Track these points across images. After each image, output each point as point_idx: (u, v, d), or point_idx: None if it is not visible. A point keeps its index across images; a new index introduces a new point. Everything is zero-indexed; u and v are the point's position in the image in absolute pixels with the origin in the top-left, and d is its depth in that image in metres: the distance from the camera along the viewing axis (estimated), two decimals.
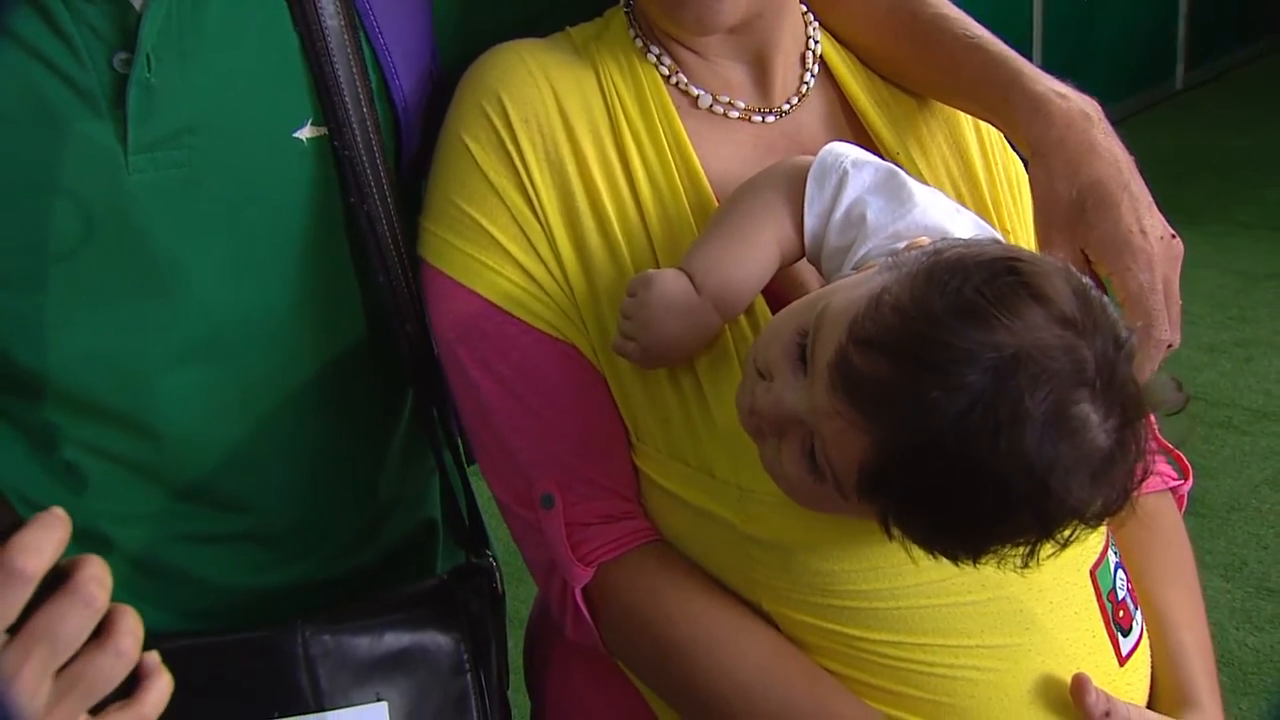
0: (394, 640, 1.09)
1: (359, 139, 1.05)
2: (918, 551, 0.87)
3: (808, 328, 0.88)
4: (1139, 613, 1.07)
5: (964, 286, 0.81)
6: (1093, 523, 0.85)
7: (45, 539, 0.71)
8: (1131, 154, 1.05)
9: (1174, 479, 1.19)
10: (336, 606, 1.11)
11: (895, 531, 0.86)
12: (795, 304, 0.94)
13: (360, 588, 1.18)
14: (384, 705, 1.06)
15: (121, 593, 1.11)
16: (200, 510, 1.12)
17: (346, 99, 1.04)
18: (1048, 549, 0.85)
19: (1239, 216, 5.18)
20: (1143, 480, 0.85)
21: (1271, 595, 2.90)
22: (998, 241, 0.91)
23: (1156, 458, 1.19)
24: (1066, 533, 0.84)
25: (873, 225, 0.97)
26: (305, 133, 1.05)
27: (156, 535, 1.11)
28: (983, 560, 0.85)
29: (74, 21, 0.97)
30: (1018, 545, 0.84)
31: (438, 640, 1.10)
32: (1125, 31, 6.56)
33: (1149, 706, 1.05)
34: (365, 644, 1.08)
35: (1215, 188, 5.53)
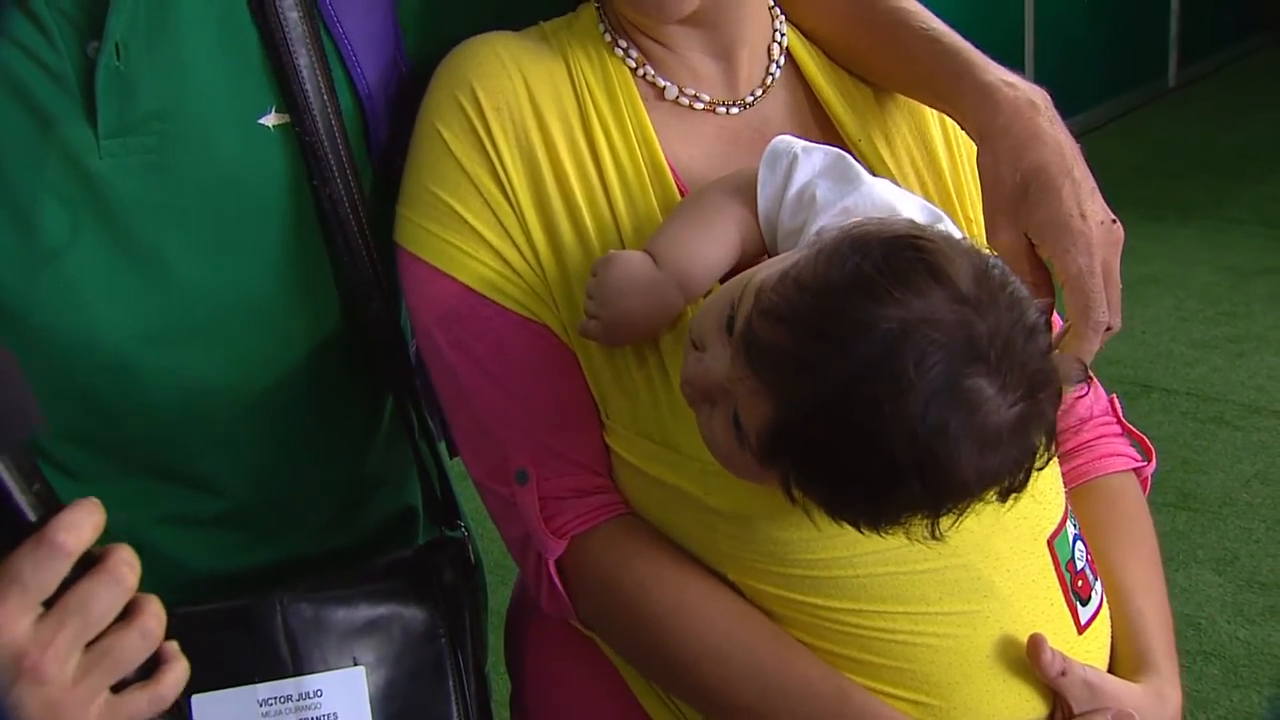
0: (369, 609, 1.13)
1: (320, 126, 1.08)
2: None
3: (735, 300, 0.92)
4: (1099, 583, 1.09)
5: (863, 262, 0.85)
6: (990, 497, 0.88)
7: (85, 519, 0.77)
8: (1079, 143, 1.08)
9: (1138, 461, 1.21)
10: (315, 576, 1.14)
11: (797, 495, 0.89)
12: (731, 280, 0.98)
13: (338, 571, 1.21)
14: (361, 670, 1.10)
15: None
16: (178, 491, 1.15)
17: (306, 87, 1.08)
18: (947, 521, 0.88)
19: (1231, 212, 5.19)
20: (1049, 459, 0.88)
21: (1263, 589, 2.92)
22: (911, 221, 0.94)
23: (1121, 440, 1.22)
24: (962, 505, 0.87)
25: (822, 202, 1.00)
26: (270, 119, 1.08)
27: (134, 517, 1.13)
28: (886, 530, 0.89)
29: (49, 9, 1.01)
30: (915, 514, 0.88)
31: (412, 608, 1.14)
32: (1118, 28, 6.58)
33: (1109, 673, 1.07)
34: (342, 613, 1.12)
35: (1208, 184, 5.53)
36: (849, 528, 0.92)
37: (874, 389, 0.83)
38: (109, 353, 1.07)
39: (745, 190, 1.05)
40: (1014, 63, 5.53)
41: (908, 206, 1.01)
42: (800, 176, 1.02)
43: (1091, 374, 0.98)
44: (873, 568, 1.00)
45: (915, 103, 1.21)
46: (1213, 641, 2.76)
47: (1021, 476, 0.88)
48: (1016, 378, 0.85)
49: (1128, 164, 5.71)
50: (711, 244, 1.03)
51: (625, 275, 1.02)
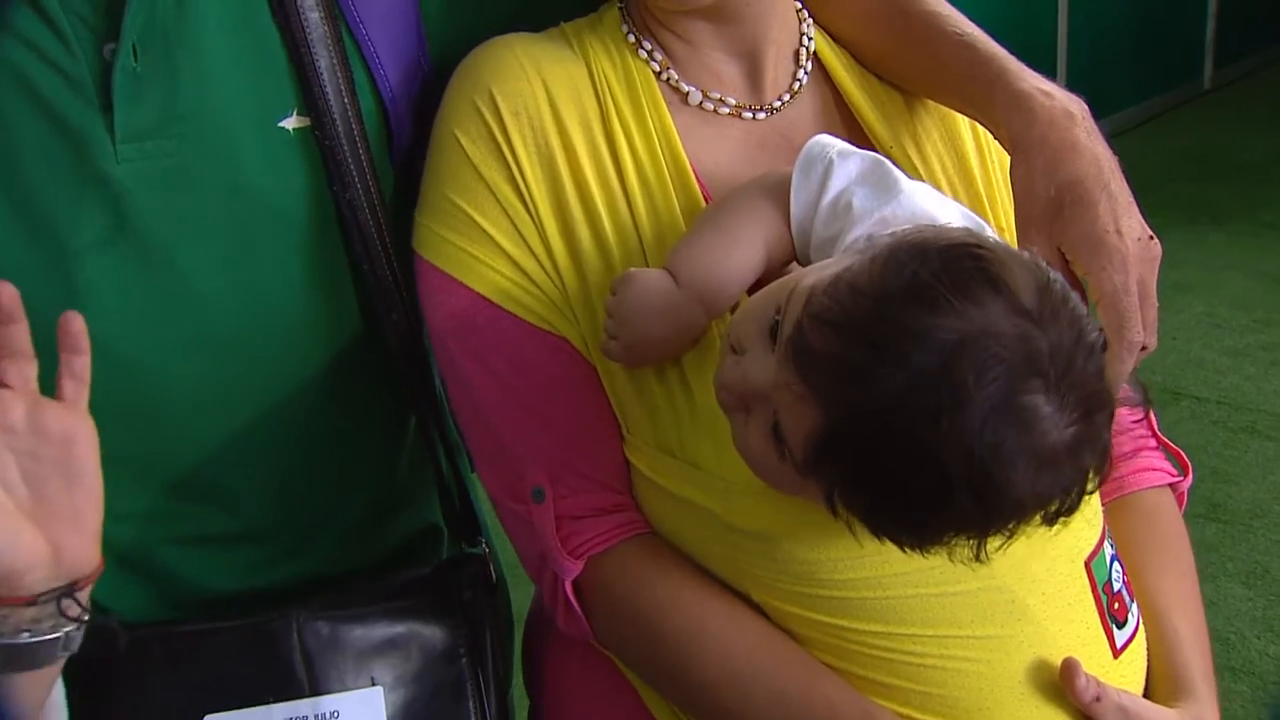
0: (388, 628, 1.10)
1: (340, 129, 1.06)
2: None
3: (780, 305, 0.89)
4: (1135, 605, 1.06)
5: (921, 269, 0.82)
6: (1042, 519, 0.85)
7: None
8: (1115, 154, 1.05)
9: (1174, 475, 1.18)
10: (332, 593, 1.12)
11: (840, 510, 0.86)
12: (772, 284, 0.95)
13: (355, 588, 1.18)
14: (379, 690, 1.08)
15: (112, 587, 1.12)
16: (192, 509, 1.13)
17: (327, 90, 1.05)
18: (995, 542, 0.85)
19: (1265, 217, 5.12)
20: (1102, 481, 0.86)
21: None
22: (967, 229, 0.92)
23: (1156, 454, 1.19)
24: (1010, 527, 0.85)
25: (859, 211, 0.98)
26: (291, 122, 1.06)
27: (147, 535, 1.11)
28: (930, 549, 0.86)
29: (64, 11, 0.99)
30: (961, 534, 0.85)
31: (431, 627, 1.12)
32: (1152, 29, 6.52)
33: (1145, 697, 1.05)
34: (359, 632, 1.10)
35: (1242, 188, 5.46)
36: (880, 547, 0.90)
37: (930, 401, 0.80)
38: (125, 362, 1.05)
39: (777, 194, 1.02)
40: (1046, 62, 5.53)
41: (948, 214, 0.98)
42: (836, 183, 0.99)
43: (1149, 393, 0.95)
44: (902, 589, 0.97)
45: (947, 109, 1.18)
46: (1241, 657, 2.71)
47: (1073, 499, 0.85)
48: (1075, 397, 0.82)
49: (1160, 167, 5.65)
50: (737, 255, 1.00)
51: (644, 296, 0.99)
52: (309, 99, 1.05)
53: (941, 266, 0.82)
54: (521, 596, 1.24)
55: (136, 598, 1.13)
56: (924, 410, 0.80)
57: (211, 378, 1.08)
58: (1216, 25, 6.98)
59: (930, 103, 1.19)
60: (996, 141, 1.15)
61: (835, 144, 1.02)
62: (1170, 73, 6.72)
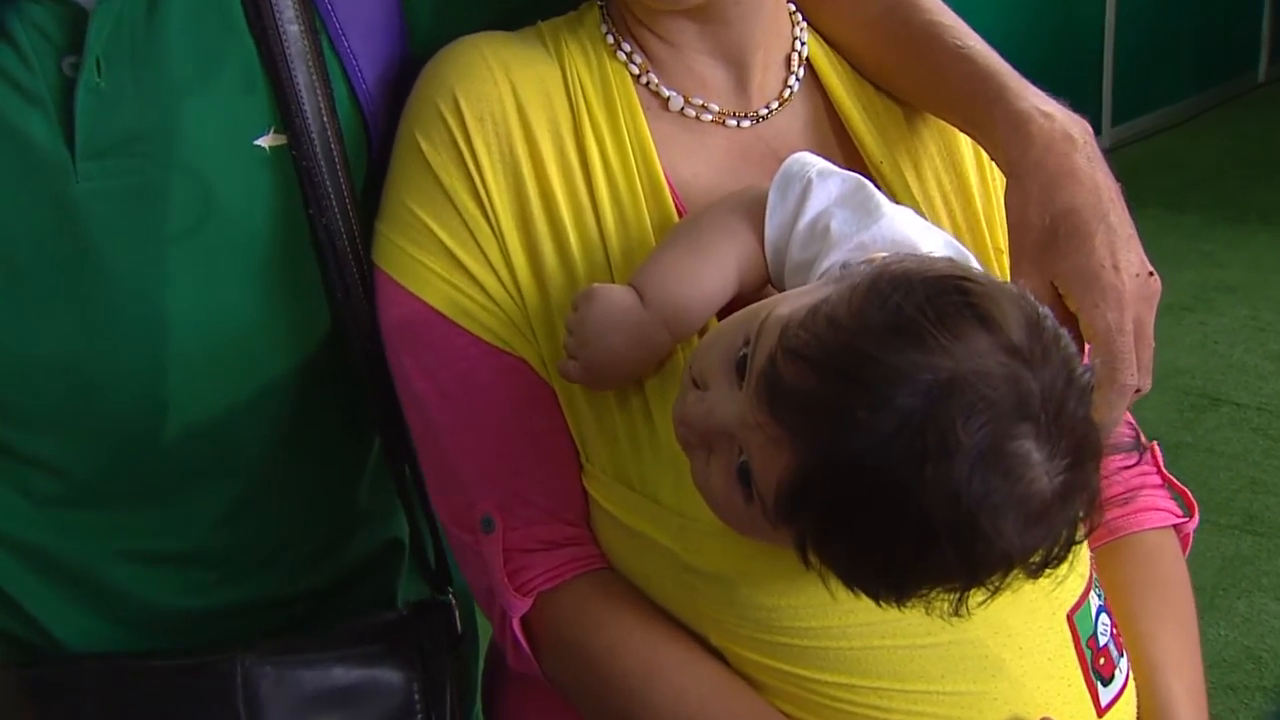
0: (342, 675, 1.05)
1: (318, 149, 1.01)
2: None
3: (750, 336, 0.84)
4: (1124, 660, 1.00)
5: (904, 302, 0.77)
6: (1027, 571, 0.80)
7: None
8: (1119, 182, 0.99)
9: (1179, 516, 1.11)
10: (283, 636, 1.07)
11: (813, 560, 0.81)
12: (739, 312, 0.89)
13: (312, 610, 1.14)
14: None
15: (56, 606, 1.08)
16: (144, 526, 1.08)
17: (305, 108, 1.01)
18: (977, 596, 0.80)
19: None
20: (1089, 531, 0.81)
21: None
22: (951, 260, 0.86)
23: (1160, 492, 1.12)
24: (995, 580, 0.79)
25: (837, 235, 0.92)
26: (267, 140, 1.01)
27: (89, 548, 1.08)
28: (907, 603, 0.80)
29: (20, 23, 0.94)
30: (943, 587, 0.80)
31: (389, 677, 1.06)
32: (1205, 21, 6.36)
33: None
34: (310, 677, 1.05)
35: None
36: (846, 595, 0.84)
37: (915, 446, 0.74)
38: (82, 382, 1.02)
39: (752, 212, 0.96)
40: (1092, 51, 5.42)
41: (931, 241, 0.93)
42: (814, 205, 0.94)
43: (1142, 437, 0.89)
44: (868, 640, 0.91)
45: (947, 124, 1.12)
46: (1274, 676, 2.63)
47: (1060, 550, 0.80)
48: (1066, 444, 0.77)
49: (1208, 163, 5.51)
50: (706, 276, 0.95)
51: (606, 314, 0.93)
52: (286, 116, 1.01)
53: (926, 299, 0.77)
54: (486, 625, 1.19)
55: (81, 618, 1.09)
56: (908, 457, 0.75)
57: (171, 399, 1.04)
58: (1273, 17, 6.82)
59: (930, 117, 1.12)
60: (997, 164, 1.09)
61: (816, 163, 0.97)
62: (1223, 66, 6.56)
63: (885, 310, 0.77)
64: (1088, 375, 0.80)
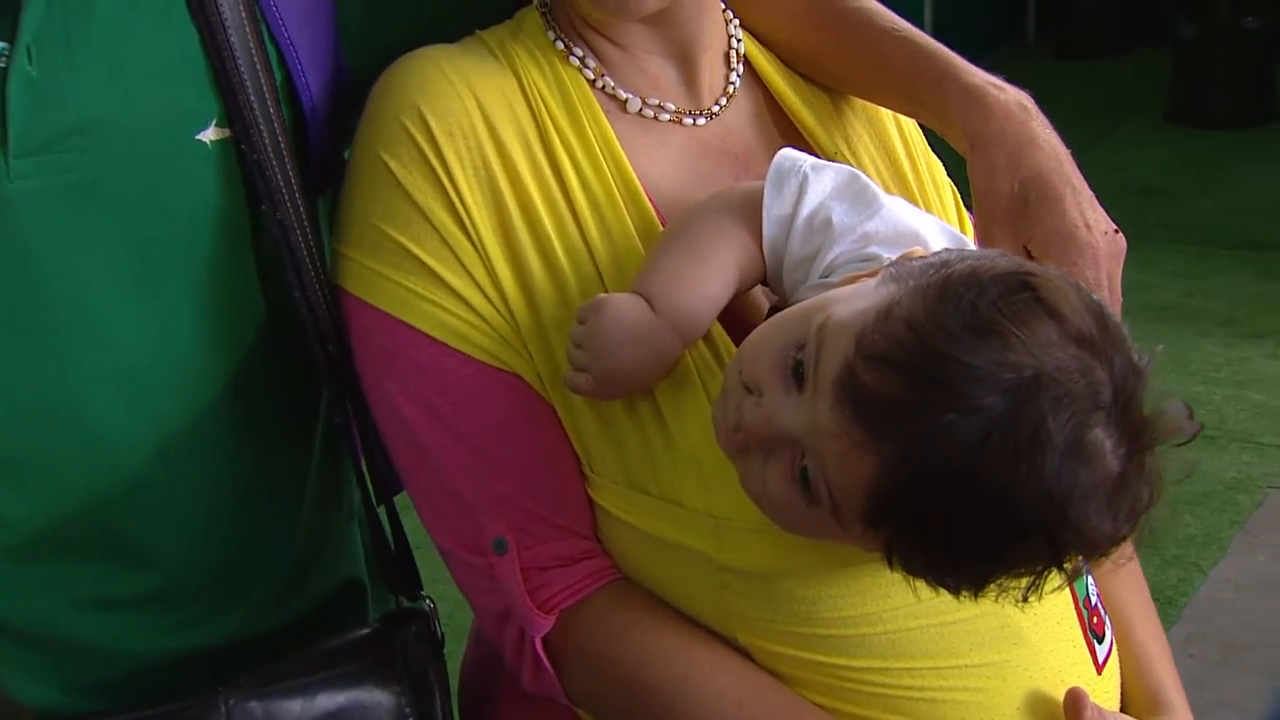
0: (328, 700, 1.00)
1: (267, 141, 0.96)
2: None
3: (804, 341, 0.83)
4: (1108, 617, 1.05)
5: (979, 301, 0.79)
6: (1104, 551, 0.82)
7: None
8: (1070, 149, 1.03)
9: None
10: (261, 667, 1.01)
11: (897, 561, 0.82)
12: (783, 315, 0.89)
13: (283, 650, 1.08)
14: None
15: (12, 667, 0.99)
16: (97, 569, 1.02)
17: (251, 97, 0.96)
18: (1054, 580, 0.82)
19: None
20: (1149, 506, 0.83)
21: None
22: (1006, 255, 0.89)
23: None
24: (1072, 563, 0.82)
25: (839, 228, 0.93)
26: (209, 134, 0.96)
27: (48, 604, 1.01)
28: (985, 593, 0.82)
29: None
30: (1025, 575, 0.82)
31: (376, 695, 1.02)
32: None
33: (1122, 711, 1.03)
34: (296, 707, 1.00)
35: None
36: (879, 580, 0.87)
37: (1007, 446, 0.76)
38: (17, 406, 0.95)
39: (744, 211, 0.96)
40: None
41: (928, 227, 0.95)
42: (812, 199, 0.94)
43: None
44: (904, 622, 0.92)
45: (872, 107, 1.14)
46: None
47: (1135, 528, 0.83)
48: (1133, 428, 0.80)
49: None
50: (710, 278, 0.94)
51: (620, 324, 0.92)
52: (232, 109, 0.95)
53: (999, 296, 0.79)
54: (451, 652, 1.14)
55: (40, 679, 1.02)
56: (1001, 456, 0.76)
57: (115, 418, 0.98)
58: None
59: (857, 102, 1.14)
60: (918, 136, 1.13)
61: (806, 158, 0.98)
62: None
63: (961, 310, 0.78)
64: (1146, 360, 0.82)
